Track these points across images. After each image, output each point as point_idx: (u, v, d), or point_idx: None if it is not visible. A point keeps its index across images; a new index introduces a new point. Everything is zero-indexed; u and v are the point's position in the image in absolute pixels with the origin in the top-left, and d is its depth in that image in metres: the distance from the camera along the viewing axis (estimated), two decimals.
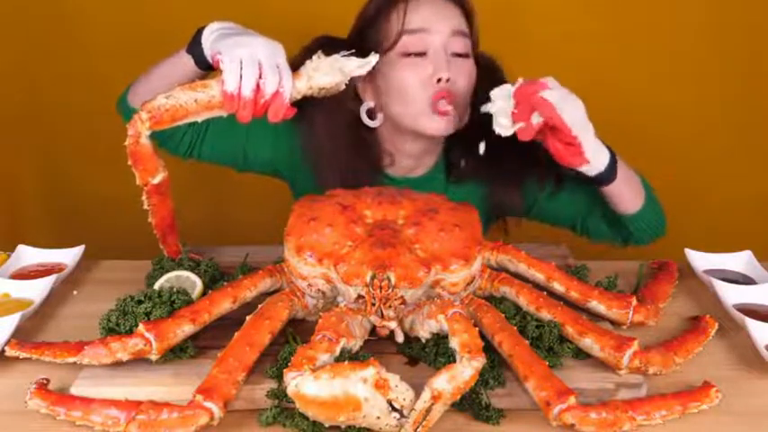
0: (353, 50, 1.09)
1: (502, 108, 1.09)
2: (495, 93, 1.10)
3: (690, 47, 2.18)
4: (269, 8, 1.99)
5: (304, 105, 1.16)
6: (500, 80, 1.33)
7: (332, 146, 1.30)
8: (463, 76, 1.26)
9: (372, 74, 1.22)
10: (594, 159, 1.14)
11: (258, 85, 1.02)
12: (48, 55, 2.14)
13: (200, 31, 1.12)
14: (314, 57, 1.06)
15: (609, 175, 1.18)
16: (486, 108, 1.11)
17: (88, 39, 2.12)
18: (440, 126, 1.25)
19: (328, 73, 1.05)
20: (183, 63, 1.14)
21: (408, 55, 1.24)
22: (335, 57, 1.06)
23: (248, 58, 1.02)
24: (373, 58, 1.08)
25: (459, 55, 1.26)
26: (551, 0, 2.15)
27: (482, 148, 1.15)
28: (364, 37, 1.30)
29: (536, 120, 1.07)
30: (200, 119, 1.05)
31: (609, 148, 1.18)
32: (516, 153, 1.20)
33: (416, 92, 1.23)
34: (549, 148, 1.13)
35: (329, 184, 1.19)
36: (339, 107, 1.29)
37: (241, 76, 1.01)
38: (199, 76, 1.16)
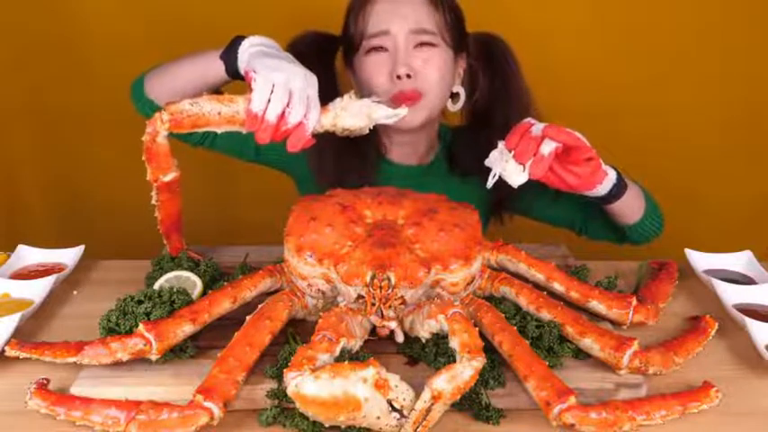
0: (382, 99, 1.10)
1: (504, 165, 1.07)
2: (489, 160, 1.09)
3: (690, 46, 2.18)
4: (264, 2, 1.99)
5: None
6: (501, 53, 1.34)
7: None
8: (426, 64, 1.26)
9: (354, 72, 1.30)
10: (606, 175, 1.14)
11: (283, 113, 1.01)
12: (48, 55, 2.14)
13: (237, 39, 1.11)
14: (345, 96, 1.06)
15: (618, 190, 1.18)
16: (491, 179, 1.08)
17: (88, 39, 2.12)
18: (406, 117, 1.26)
19: (356, 115, 1.05)
20: (214, 67, 1.14)
21: (371, 51, 1.28)
22: (366, 101, 1.06)
23: (281, 84, 1.00)
24: (402, 111, 1.07)
25: (425, 44, 1.27)
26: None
27: (490, 182, 1.09)
28: (346, 35, 1.33)
29: (547, 149, 1.04)
30: (219, 130, 1.04)
31: (611, 165, 1.17)
32: None
33: (380, 89, 1.26)
34: (564, 182, 1.10)
35: (327, 172, 1.18)
36: None
37: (269, 100, 1.01)
38: (225, 82, 1.16)
